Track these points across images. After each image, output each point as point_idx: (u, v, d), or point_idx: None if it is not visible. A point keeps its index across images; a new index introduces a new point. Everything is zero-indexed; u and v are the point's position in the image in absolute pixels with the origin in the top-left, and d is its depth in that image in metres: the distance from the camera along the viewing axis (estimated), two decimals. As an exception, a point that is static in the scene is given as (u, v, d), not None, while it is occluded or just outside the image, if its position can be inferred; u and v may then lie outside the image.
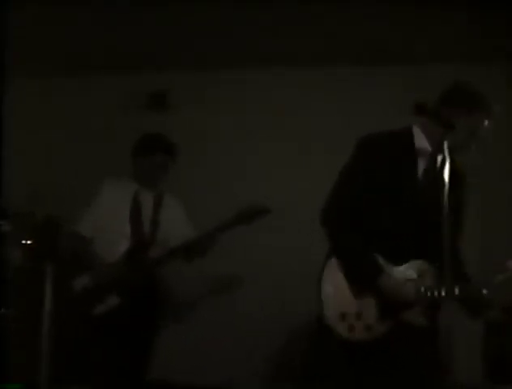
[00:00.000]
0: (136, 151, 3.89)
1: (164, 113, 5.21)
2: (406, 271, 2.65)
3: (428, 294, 2.59)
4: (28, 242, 3.98)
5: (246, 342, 4.84)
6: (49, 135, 5.13)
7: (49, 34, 4.52)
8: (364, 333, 2.62)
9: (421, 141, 2.73)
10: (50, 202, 4.69)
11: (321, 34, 4.55)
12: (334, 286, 2.68)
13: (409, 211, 2.65)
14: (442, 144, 2.48)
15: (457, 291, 2.53)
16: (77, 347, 3.62)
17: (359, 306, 2.64)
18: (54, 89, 5.26)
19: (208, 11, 4.15)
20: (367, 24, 4.35)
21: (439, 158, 2.69)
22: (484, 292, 2.60)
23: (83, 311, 3.58)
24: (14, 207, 3.92)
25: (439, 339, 2.51)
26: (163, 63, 5.01)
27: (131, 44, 4.70)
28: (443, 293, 2.53)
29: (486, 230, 4.36)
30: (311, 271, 2.80)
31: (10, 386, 3.60)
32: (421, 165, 2.71)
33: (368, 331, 2.62)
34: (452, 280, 2.42)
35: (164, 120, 5.17)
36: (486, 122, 2.83)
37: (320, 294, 2.69)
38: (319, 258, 2.78)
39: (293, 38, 4.63)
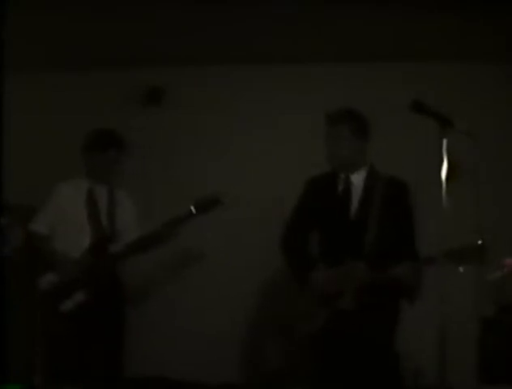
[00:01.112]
0: (88, 147, 3.94)
1: (162, 109, 5.21)
2: (339, 269, 3.16)
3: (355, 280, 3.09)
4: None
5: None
6: (48, 132, 5.12)
7: (46, 29, 4.51)
8: (310, 326, 3.15)
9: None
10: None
11: (321, 33, 4.55)
12: None
13: (337, 226, 3.28)
14: (441, 142, 2.50)
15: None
16: (51, 345, 3.64)
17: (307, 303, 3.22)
18: (52, 84, 5.25)
19: (206, 6, 4.15)
20: (365, 21, 4.34)
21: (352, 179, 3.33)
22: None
23: (51, 308, 3.62)
24: (13, 201, 3.94)
25: (378, 321, 3.07)
26: (160, 59, 5.01)
27: (128, 40, 4.69)
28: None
29: (485, 228, 4.35)
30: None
31: (9, 387, 3.60)
32: (340, 188, 3.34)
33: (312, 323, 3.15)
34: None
35: (161, 115, 5.19)
36: None
37: None
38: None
39: (293, 36, 4.62)
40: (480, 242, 2.76)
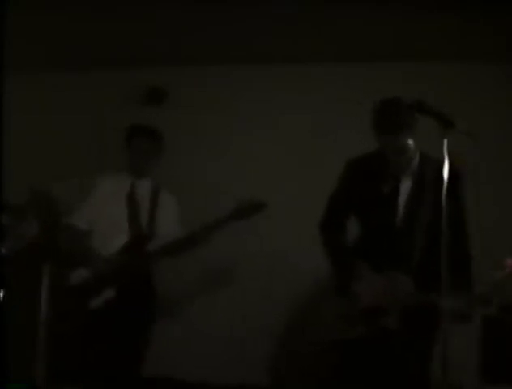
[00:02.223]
0: (125, 142, 3.98)
1: (162, 109, 5.21)
2: (383, 279, 2.87)
3: (403, 300, 2.82)
4: (28, 236, 4.00)
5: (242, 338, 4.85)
6: (48, 130, 5.12)
7: (46, 29, 4.52)
8: (343, 334, 2.86)
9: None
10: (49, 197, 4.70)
11: (321, 33, 4.55)
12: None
13: (386, 222, 2.95)
14: (442, 142, 2.49)
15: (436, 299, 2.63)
16: (75, 341, 3.62)
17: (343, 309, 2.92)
18: (52, 84, 5.25)
19: (206, 6, 4.15)
20: (365, 21, 4.34)
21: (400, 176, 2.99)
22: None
23: (81, 304, 3.60)
24: (13, 200, 3.93)
25: (417, 344, 2.84)
26: (160, 59, 5.01)
27: (128, 40, 4.70)
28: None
29: (485, 228, 4.35)
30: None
31: (14, 386, 3.60)
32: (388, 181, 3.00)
33: (346, 332, 2.87)
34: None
35: (161, 115, 5.18)
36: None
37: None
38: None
39: (293, 36, 4.62)
40: None
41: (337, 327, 2.88)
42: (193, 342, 4.93)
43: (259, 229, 4.95)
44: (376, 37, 4.57)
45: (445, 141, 2.49)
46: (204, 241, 3.68)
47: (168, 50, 4.87)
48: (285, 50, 4.86)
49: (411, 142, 2.92)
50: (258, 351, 4.83)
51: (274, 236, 4.91)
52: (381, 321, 2.81)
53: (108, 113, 5.09)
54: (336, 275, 3.03)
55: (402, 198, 2.95)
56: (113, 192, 3.84)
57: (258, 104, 5.16)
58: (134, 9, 4.22)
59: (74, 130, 5.24)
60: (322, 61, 4.92)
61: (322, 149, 4.89)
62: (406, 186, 2.97)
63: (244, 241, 4.93)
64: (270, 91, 5.14)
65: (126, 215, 3.80)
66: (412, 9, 4.05)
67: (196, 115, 5.19)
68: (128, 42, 4.71)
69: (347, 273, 2.94)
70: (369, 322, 2.84)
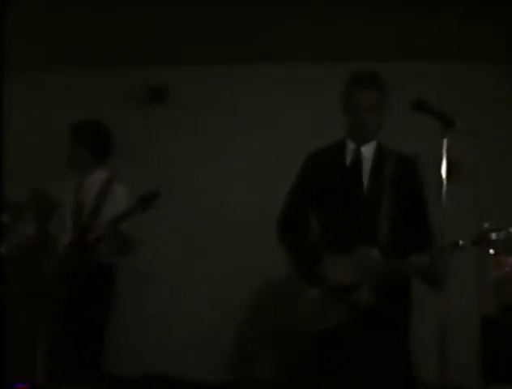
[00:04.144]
0: (73, 139, 3.91)
1: (162, 108, 5.21)
2: (350, 257, 2.83)
3: (373, 272, 2.78)
4: (27, 235, 4.01)
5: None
6: (48, 130, 5.12)
7: (46, 29, 4.52)
8: (322, 323, 2.80)
9: (349, 142, 3.03)
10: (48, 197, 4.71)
11: (321, 33, 4.55)
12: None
13: (347, 205, 2.92)
14: (442, 141, 2.49)
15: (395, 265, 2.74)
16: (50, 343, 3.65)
17: (317, 297, 2.85)
18: (52, 84, 5.25)
19: (206, 6, 4.15)
20: (365, 21, 4.35)
21: (366, 152, 2.98)
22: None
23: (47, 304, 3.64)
24: (13, 200, 3.94)
25: (396, 316, 2.81)
26: (160, 59, 5.01)
27: (128, 40, 4.70)
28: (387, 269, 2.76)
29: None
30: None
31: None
32: (348, 160, 2.99)
33: (325, 320, 2.80)
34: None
35: (161, 115, 5.19)
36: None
37: None
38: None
39: (293, 36, 4.63)
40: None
41: (311, 315, 2.85)
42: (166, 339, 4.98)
43: (260, 229, 4.96)
44: (376, 37, 4.57)
45: (445, 140, 2.49)
46: (113, 235, 3.64)
47: (168, 50, 4.87)
48: (285, 50, 4.86)
49: (380, 108, 2.97)
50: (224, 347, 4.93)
51: (274, 236, 4.90)
52: (355, 298, 2.78)
53: (108, 113, 5.09)
54: (300, 267, 2.99)
55: (365, 173, 2.95)
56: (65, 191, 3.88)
57: (258, 104, 5.16)
58: (134, 9, 4.22)
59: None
60: (322, 61, 4.93)
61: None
62: (367, 162, 2.98)
63: (244, 241, 4.95)
64: (270, 91, 5.14)
65: (71, 213, 3.82)
66: (412, 9, 4.06)
67: (196, 115, 5.20)
68: (128, 42, 4.71)
69: (312, 263, 2.91)
70: (342, 302, 2.80)
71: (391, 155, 2.95)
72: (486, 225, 2.62)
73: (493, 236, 2.62)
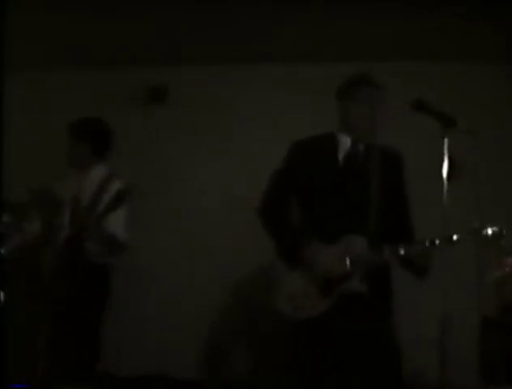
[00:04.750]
0: (71, 137, 3.91)
1: (162, 108, 5.21)
2: (338, 246, 2.84)
3: (362, 261, 2.79)
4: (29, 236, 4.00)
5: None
6: (48, 130, 5.12)
7: (46, 29, 4.52)
8: (309, 310, 2.81)
9: (342, 136, 3.08)
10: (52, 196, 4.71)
11: (321, 33, 4.55)
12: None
13: (335, 195, 2.93)
14: (443, 141, 2.49)
15: (386, 254, 2.76)
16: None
17: (303, 285, 2.85)
18: (52, 84, 5.26)
19: (206, 6, 4.15)
20: (365, 21, 4.35)
21: (360, 146, 3.01)
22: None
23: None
24: (13, 200, 3.94)
25: (384, 304, 2.86)
26: (160, 59, 5.01)
27: (128, 40, 4.70)
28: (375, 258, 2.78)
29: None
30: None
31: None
32: (342, 154, 3.02)
33: (313, 307, 2.81)
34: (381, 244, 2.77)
35: (161, 115, 5.19)
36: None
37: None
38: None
39: (293, 36, 4.63)
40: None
41: (297, 301, 2.86)
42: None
43: (260, 229, 4.96)
44: (376, 37, 4.57)
45: (446, 140, 2.49)
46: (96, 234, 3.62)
47: (168, 50, 4.87)
48: (285, 50, 4.86)
49: (377, 105, 3.00)
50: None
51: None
52: (344, 287, 2.79)
53: (108, 113, 5.08)
54: (283, 251, 2.99)
55: (352, 164, 2.99)
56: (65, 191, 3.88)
57: (258, 104, 5.16)
58: (134, 9, 4.22)
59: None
60: (322, 61, 4.93)
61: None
62: (355, 154, 3.02)
63: (244, 240, 4.95)
64: (270, 91, 5.14)
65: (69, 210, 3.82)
66: (412, 9, 4.06)
67: (196, 115, 5.20)
68: (128, 42, 4.71)
69: (295, 247, 2.91)
70: (330, 290, 2.80)
71: (377, 149, 3.00)
72: (480, 223, 2.65)
73: (485, 232, 2.66)
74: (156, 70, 5.12)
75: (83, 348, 3.62)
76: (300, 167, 3.04)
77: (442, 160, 2.48)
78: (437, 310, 2.59)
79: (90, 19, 4.36)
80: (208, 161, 5.17)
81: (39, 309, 3.72)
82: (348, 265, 2.81)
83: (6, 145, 3.60)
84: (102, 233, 3.61)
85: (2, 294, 3.58)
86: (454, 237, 2.66)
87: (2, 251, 3.79)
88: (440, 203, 2.55)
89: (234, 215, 5.04)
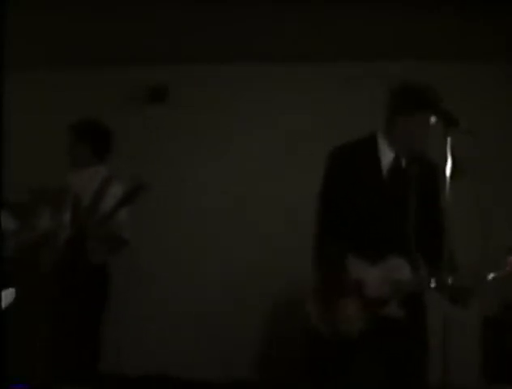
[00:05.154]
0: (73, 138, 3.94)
1: (162, 108, 5.21)
2: (382, 268, 2.74)
3: (404, 287, 2.70)
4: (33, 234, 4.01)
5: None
6: (49, 129, 5.13)
7: (46, 29, 4.52)
8: (346, 330, 2.69)
9: (384, 146, 2.86)
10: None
11: (321, 33, 4.55)
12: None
13: (379, 211, 2.80)
14: (446, 141, 2.48)
15: (433, 283, 2.66)
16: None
17: (342, 305, 2.72)
18: (52, 84, 5.26)
19: (206, 6, 4.15)
20: (365, 21, 4.34)
21: (403, 160, 2.84)
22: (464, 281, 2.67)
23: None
24: (13, 200, 3.95)
25: (421, 331, 2.77)
26: (160, 59, 5.01)
27: (128, 40, 4.70)
28: (418, 286, 2.70)
29: (486, 227, 4.37)
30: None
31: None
32: (385, 167, 2.84)
33: (350, 327, 2.69)
34: (428, 273, 2.69)
35: (161, 115, 5.18)
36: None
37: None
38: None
39: (293, 36, 4.62)
40: None
41: (338, 324, 2.73)
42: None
43: (260, 229, 4.97)
44: (376, 37, 4.57)
45: (449, 140, 2.48)
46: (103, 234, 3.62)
47: (168, 50, 4.87)
48: (285, 50, 4.86)
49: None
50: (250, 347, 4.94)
51: (274, 236, 4.91)
52: (384, 311, 2.70)
53: (108, 113, 5.08)
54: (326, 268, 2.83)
55: (394, 182, 2.83)
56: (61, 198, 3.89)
57: (258, 104, 5.16)
58: (134, 9, 4.22)
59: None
60: (322, 61, 4.93)
61: (322, 149, 4.88)
62: (397, 169, 2.85)
63: (244, 240, 4.95)
64: (270, 91, 5.14)
65: (69, 210, 3.82)
66: (412, 9, 4.05)
67: (196, 115, 5.20)
68: (128, 42, 4.71)
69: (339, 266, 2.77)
70: (372, 314, 2.70)
71: (417, 163, 2.84)
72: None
73: None
74: (156, 70, 5.12)
75: (83, 348, 3.62)
76: (347, 180, 2.84)
77: (445, 160, 2.47)
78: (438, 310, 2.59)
79: (90, 19, 4.35)
80: (208, 161, 5.17)
81: (39, 309, 3.72)
82: (389, 290, 2.72)
83: (6, 145, 3.59)
84: (109, 230, 3.63)
85: (2, 294, 3.58)
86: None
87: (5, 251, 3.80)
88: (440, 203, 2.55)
89: (234, 215, 5.05)
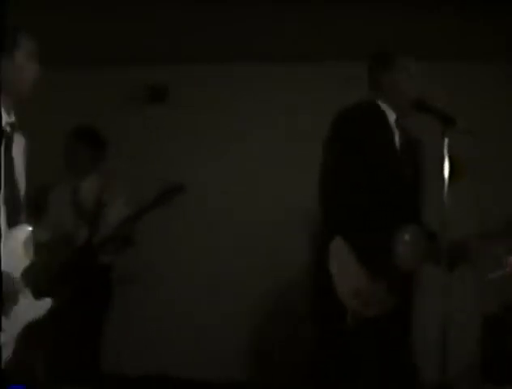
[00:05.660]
0: (68, 145, 4.01)
1: (162, 108, 5.21)
2: (403, 237, 2.66)
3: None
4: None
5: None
6: (49, 129, 5.12)
7: (46, 29, 4.50)
8: (377, 308, 2.62)
9: (389, 112, 2.88)
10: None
11: (321, 33, 4.55)
12: (344, 264, 2.64)
13: (392, 176, 2.74)
14: (443, 141, 2.49)
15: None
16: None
17: (370, 282, 2.62)
18: (52, 84, 5.24)
19: (206, 6, 4.15)
20: (365, 21, 4.35)
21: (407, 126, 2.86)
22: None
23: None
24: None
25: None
26: (160, 59, 5.01)
27: (128, 40, 4.70)
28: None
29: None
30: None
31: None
32: (396, 135, 2.84)
33: (380, 305, 2.62)
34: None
35: (161, 115, 5.19)
36: None
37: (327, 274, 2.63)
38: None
39: (293, 36, 4.62)
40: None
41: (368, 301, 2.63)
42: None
43: (260, 229, 4.97)
44: (376, 37, 4.57)
45: (446, 139, 2.49)
46: (130, 233, 3.64)
47: (168, 50, 4.87)
48: (285, 50, 4.86)
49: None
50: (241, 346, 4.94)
51: (274, 236, 4.91)
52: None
53: (108, 113, 5.09)
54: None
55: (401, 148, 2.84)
56: (59, 201, 3.88)
57: (258, 104, 5.16)
58: (134, 9, 4.22)
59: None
60: (322, 61, 4.93)
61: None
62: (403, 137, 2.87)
63: (244, 240, 4.95)
64: (270, 91, 5.14)
65: (72, 220, 3.83)
66: (412, 9, 4.06)
67: (196, 115, 5.20)
68: (128, 42, 4.71)
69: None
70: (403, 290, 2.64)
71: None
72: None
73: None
74: (156, 70, 5.12)
75: (84, 348, 3.63)
76: (353, 142, 2.77)
77: (443, 160, 2.48)
78: (438, 310, 2.59)
79: (90, 19, 4.35)
80: (208, 161, 5.17)
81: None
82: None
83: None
84: (125, 235, 3.65)
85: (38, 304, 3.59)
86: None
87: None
88: (440, 202, 2.56)
89: (234, 214, 5.05)
